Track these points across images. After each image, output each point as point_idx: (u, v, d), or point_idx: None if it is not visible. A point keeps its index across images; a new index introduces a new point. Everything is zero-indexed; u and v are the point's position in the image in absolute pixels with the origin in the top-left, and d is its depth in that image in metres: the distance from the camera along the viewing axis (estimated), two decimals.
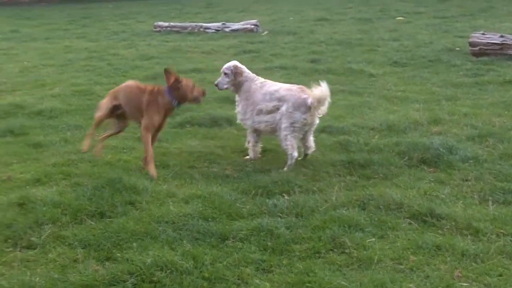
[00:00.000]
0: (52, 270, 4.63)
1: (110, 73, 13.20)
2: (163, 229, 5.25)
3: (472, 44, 13.75)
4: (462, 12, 22.44)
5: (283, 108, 6.96)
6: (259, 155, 7.36)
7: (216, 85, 7.51)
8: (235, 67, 7.34)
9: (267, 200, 5.87)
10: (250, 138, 7.34)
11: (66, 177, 6.60)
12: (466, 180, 6.40)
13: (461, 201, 5.82)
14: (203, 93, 6.94)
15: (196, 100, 6.95)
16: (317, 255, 4.84)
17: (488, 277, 4.47)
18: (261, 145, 7.44)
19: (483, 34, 13.87)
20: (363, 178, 6.50)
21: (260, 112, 7.15)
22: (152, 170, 6.58)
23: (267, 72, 12.51)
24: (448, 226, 5.29)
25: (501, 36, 13.58)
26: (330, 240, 5.01)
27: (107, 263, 4.69)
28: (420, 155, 7.03)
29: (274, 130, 7.14)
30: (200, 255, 4.75)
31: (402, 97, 10.34)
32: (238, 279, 4.48)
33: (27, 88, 11.85)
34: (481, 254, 4.78)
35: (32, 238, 5.19)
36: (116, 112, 7.00)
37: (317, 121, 7.17)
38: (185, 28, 20.11)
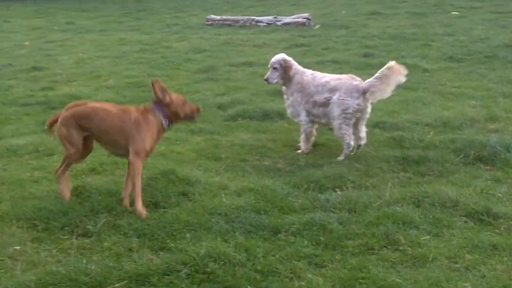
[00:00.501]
0: (107, 258, 4.71)
1: (163, 66, 13.36)
2: (216, 221, 5.28)
3: None
4: None
5: (335, 97, 7.02)
6: (310, 148, 7.34)
7: (266, 80, 7.43)
8: (284, 60, 7.29)
9: (319, 195, 5.84)
10: (304, 130, 7.31)
11: (121, 167, 6.69)
12: None
13: None
14: (197, 110, 5.91)
15: (189, 118, 5.90)
16: (370, 251, 4.80)
17: None
18: (313, 139, 7.42)
19: None
20: (418, 175, 6.41)
21: (315, 104, 7.17)
22: (140, 207, 5.49)
23: (319, 66, 12.44)
24: (505, 226, 5.17)
25: None
26: (384, 236, 4.96)
27: (161, 253, 4.75)
28: (476, 153, 6.89)
29: (328, 122, 7.21)
30: (253, 247, 4.76)
31: (458, 93, 10.14)
32: (291, 273, 4.47)
33: (82, 79, 12.09)
34: None
35: (88, 226, 5.29)
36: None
37: (369, 109, 7.20)
38: (237, 21, 20.16)
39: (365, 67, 12.30)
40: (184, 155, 7.14)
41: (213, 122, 8.66)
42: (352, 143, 7.03)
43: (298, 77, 7.28)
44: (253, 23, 19.87)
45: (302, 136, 7.33)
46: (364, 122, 7.25)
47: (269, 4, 26.88)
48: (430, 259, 4.62)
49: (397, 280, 4.31)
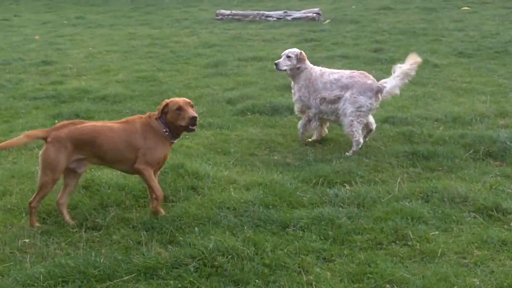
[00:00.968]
0: (116, 251, 4.73)
1: (172, 60, 13.38)
2: (224, 215, 5.29)
3: None
4: None
5: (347, 94, 7.05)
6: (313, 142, 7.48)
7: (276, 65, 7.45)
8: (300, 53, 7.37)
9: (328, 190, 5.83)
10: (310, 124, 7.42)
11: None
12: None
13: None
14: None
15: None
16: (379, 246, 4.79)
17: None
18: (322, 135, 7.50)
19: None
20: (427, 170, 6.39)
21: (323, 100, 7.21)
22: (161, 210, 5.33)
23: (328, 61, 12.44)
24: None
25: None
26: (393, 231, 4.95)
27: (170, 246, 4.76)
28: (486, 148, 6.86)
29: (337, 118, 7.25)
30: (261, 241, 4.77)
31: (468, 88, 10.09)
32: (299, 267, 4.47)
33: (92, 74, 12.14)
34: None
35: (97, 220, 5.32)
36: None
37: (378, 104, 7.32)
38: (246, 16, 20.15)
39: (374, 62, 12.29)
40: (193, 149, 7.15)
41: (222, 116, 8.67)
42: (361, 140, 7.05)
43: (307, 72, 7.34)
44: (263, 17, 19.86)
45: (301, 130, 7.50)
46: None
47: None
48: (439, 254, 4.61)
49: (405, 275, 4.30)
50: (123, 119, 5.48)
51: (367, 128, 7.30)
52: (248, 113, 8.81)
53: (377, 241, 4.83)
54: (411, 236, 4.86)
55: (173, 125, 5.28)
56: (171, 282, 4.27)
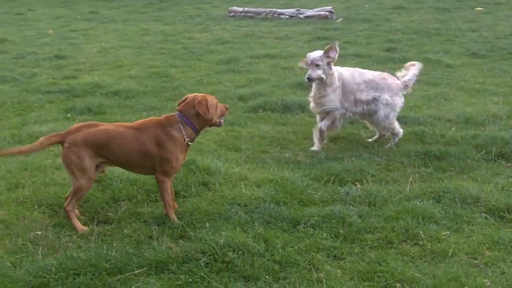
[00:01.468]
0: (127, 245, 4.75)
1: (185, 56, 13.40)
2: (235, 211, 5.30)
3: None
4: None
5: (386, 96, 7.07)
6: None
7: (309, 79, 6.97)
8: (328, 49, 6.95)
9: (339, 188, 5.83)
10: (335, 125, 7.26)
11: None
12: None
13: None
14: (227, 109, 5.50)
15: (219, 123, 5.38)
16: (389, 245, 4.78)
17: None
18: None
19: None
20: (439, 170, 6.37)
21: (359, 102, 7.12)
22: (173, 217, 5.19)
23: (341, 60, 12.35)
24: None
25: None
26: (403, 231, 4.94)
27: (180, 241, 4.78)
28: (498, 149, 6.83)
29: (372, 120, 7.30)
30: (272, 238, 4.78)
31: (481, 89, 10.05)
32: (309, 264, 4.48)
33: (105, 69, 12.19)
34: None
35: (109, 214, 5.35)
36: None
37: None
38: (259, 13, 20.15)
39: (387, 61, 12.26)
40: (205, 145, 7.17)
41: (234, 113, 8.66)
42: (402, 130, 7.25)
43: (337, 73, 7.11)
44: (275, 15, 19.85)
45: (325, 127, 7.14)
46: None
47: None
48: (450, 254, 4.60)
49: (415, 274, 4.30)
50: (137, 123, 5.22)
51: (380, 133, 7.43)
52: (260, 110, 8.81)
53: (388, 240, 4.83)
54: (422, 236, 4.85)
55: (203, 121, 5.19)
56: (182, 276, 4.29)
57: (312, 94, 7.25)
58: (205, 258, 4.48)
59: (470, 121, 8.05)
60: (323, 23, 18.24)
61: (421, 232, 4.89)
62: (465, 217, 5.22)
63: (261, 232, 4.88)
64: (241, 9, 20.72)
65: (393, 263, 4.45)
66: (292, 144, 7.36)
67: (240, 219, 5.15)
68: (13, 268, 4.40)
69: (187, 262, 4.45)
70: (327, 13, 19.29)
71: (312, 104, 7.30)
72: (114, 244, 4.77)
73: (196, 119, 5.15)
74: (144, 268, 4.40)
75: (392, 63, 12.02)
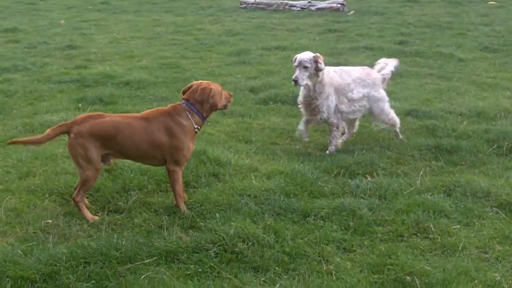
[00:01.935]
0: (137, 235, 4.77)
1: (196, 48, 13.39)
2: (245, 202, 5.31)
3: None
4: None
5: (374, 93, 6.99)
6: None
7: (296, 81, 6.53)
8: (315, 56, 6.50)
9: (349, 181, 5.82)
10: (339, 130, 6.91)
11: None
12: None
13: None
14: (231, 97, 5.59)
15: (224, 107, 5.55)
16: (399, 238, 4.78)
17: None
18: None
19: None
20: (450, 164, 6.34)
21: (352, 100, 6.90)
22: (183, 207, 5.20)
23: (352, 53, 12.40)
24: None
25: None
26: (414, 224, 4.93)
27: (191, 231, 4.79)
28: (509, 144, 6.80)
29: (373, 114, 7.19)
30: (282, 230, 4.78)
31: (493, 83, 9.99)
32: (319, 256, 4.48)
33: (116, 59, 12.20)
34: None
35: (119, 203, 5.37)
36: None
37: None
38: (270, 5, 20.08)
39: (399, 55, 12.15)
40: (215, 137, 7.17)
41: (244, 105, 8.67)
42: (398, 119, 7.20)
43: (326, 77, 6.68)
44: (287, 7, 19.78)
45: (335, 134, 6.84)
46: None
47: None
48: (460, 248, 4.59)
49: (425, 267, 4.29)
50: (144, 113, 5.21)
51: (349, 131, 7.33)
52: (270, 102, 8.80)
53: (398, 233, 4.83)
54: (433, 229, 4.84)
55: (209, 108, 5.23)
56: (192, 266, 4.30)
57: (300, 99, 6.90)
58: (215, 249, 4.49)
59: (481, 115, 8.00)
60: (334, 15, 18.17)
61: (431, 226, 4.88)
62: (475, 211, 5.20)
63: (271, 223, 4.89)
64: (252, 0, 20.65)
65: (403, 256, 4.44)
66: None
67: (250, 210, 5.15)
68: (24, 256, 4.43)
69: (197, 252, 4.46)
70: (338, 5, 19.20)
71: (302, 110, 6.96)
72: (125, 233, 4.80)
73: (203, 106, 5.18)
74: (154, 258, 4.42)
75: (404, 57, 11.98)
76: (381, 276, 4.22)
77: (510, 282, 4.18)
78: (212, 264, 4.31)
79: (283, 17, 18.02)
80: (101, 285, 4.13)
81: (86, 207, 5.17)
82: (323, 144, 7.04)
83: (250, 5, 20.33)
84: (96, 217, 5.09)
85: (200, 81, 5.35)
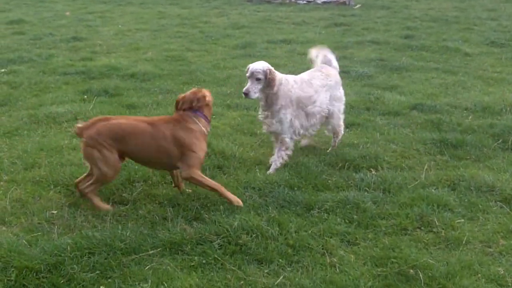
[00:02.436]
0: (142, 226, 4.78)
1: (201, 41, 13.38)
2: (249, 195, 5.32)
3: None
4: None
5: (341, 90, 6.61)
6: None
7: (246, 94, 5.87)
8: (270, 70, 5.89)
9: (354, 174, 5.82)
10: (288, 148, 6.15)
11: None
12: None
13: None
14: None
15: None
16: (403, 231, 4.78)
17: None
18: None
19: None
20: (455, 158, 6.33)
21: (312, 114, 6.26)
22: (234, 197, 5.13)
23: (358, 47, 12.38)
24: None
25: None
26: (418, 218, 4.93)
27: (195, 223, 4.80)
28: None
29: (329, 124, 6.58)
30: (285, 222, 4.79)
31: (499, 78, 9.96)
32: (323, 248, 4.49)
33: (121, 51, 12.20)
34: None
35: (124, 195, 5.39)
36: None
37: None
38: None
39: (405, 49, 12.18)
40: (220, 129, 7.17)
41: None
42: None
43: (284, 88, 6.01)
44: (293, 0, 19.75)
45: (281, 154, 6.07)
46: None
47: None
48: (464, 242, 4.59)
49: (429, 261, 4.29)
50: (151, 119, 5.24)
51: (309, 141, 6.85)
52: None
53: (402, 226, 4.83)
54: (437, 223, 4.84)
55: (209, 112, 5.38)
56: (196, 258, 4.32)
57: (260, 113, 6.30)
58: (219, 240, 4.51)
59: (487, 110, 7.98)
60: (340, 9, 18.14)
61: (435, 220, 4.88)
62: (480, 206, 5.20)
63: (275, 216, 4.90)
64: None
65: (406, 250, 4.45)
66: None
67: (254, 202, 5.16)
68: (29, 246, 4.44)
69: (201, 244, 4.48)
70: None
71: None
72: (129, 224, 4.81)
73: (204, 110, 5.28)
74: (159, 249, 4.43)
75: (410, 51, 11.96)
76: (384, 269, 4.23)
77: None
78: (216, 256, 4.32)
79: (289, 11, 18.00)
80: (105, 275, 4.15)
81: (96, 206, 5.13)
82: (328, 137, 7.02)
83: None
84: (109, 207, 5.12)
85: (192, 91, 5.35)
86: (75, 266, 4.18)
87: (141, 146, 5.08)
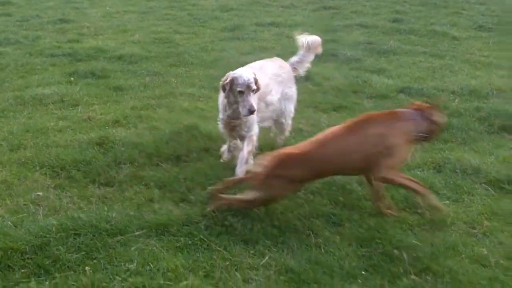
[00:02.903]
0: (128, 208, 4.78)
1: (189, 23, 13.31)
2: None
3: None
4: None
5: (293, 88, 6.15)
6: None
7: (253, 111, 5.25)
8: (255, 74, 5.36)
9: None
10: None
11: (144, 121, 6.74)
12: None
13: None
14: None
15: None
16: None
17: None
18: None
19: None
20: (441, 141, 6.35)
21: (270, 105, 5.85)
22: (437, 203, 4.76)
23: (346, 30, 12.36)
24: None
25: None
26: (403, 199, 4.97)
27: (181, 205, 4.81)
28: (501, 122, 6.84)
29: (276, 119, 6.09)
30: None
31: (486, 62, 9.99)
32: (308, 229, 4.51)
33: (109, 33, 12.11)
34: None
35: (110, 176, 5.37)
36: None
37: None
38: None
39: (393, 33, 12.17)
40: (207, 111, 7.15)
41: None
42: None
43: None
44: None
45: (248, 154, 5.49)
46: None
47: None
48: (448, 223, 4.63)
49: (413, 241, 4.33)
50: (350, 124, 4.74)
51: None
52: None
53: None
54: (421, 205, 4.86)
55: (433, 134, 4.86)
56: (182, 238, 4.33)
57: (223, 116, 5.57)
58: (205, 222, 4.52)
59: (474, 94, 8.01)
60: None
61: (420, 201, 4.90)
62: (465, 188, 5.25)
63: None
64: None
65: (391, 231, 4.48)
66: (295, 113, 7.31)
67: (241, 184, 5.15)
68: (14, 227, 4.42)
69: (187, 225, 4.48)
70: None
71: (223, 129, 5.66)
72: (115, 206, 4.81)
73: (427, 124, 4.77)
74: (144, 230, 4.43)
75: (398, 35, 11.96)
76: (369, 249, 4.26)
77: (496, 256, 4.23)
78: (202, 237, 4.33)
79: None
80: (90, 256, 4.14)
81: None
82: (315, 119, 7.03)
83: None
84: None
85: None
86: (60, 247, 4.17)
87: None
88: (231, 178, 5.00)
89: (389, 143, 4.51)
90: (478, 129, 6.71)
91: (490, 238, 4.49)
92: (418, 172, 5.45)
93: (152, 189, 5.09)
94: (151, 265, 4.02)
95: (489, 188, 5.27)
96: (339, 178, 5.24)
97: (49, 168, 5.49)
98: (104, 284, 3.85)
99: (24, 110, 7.13)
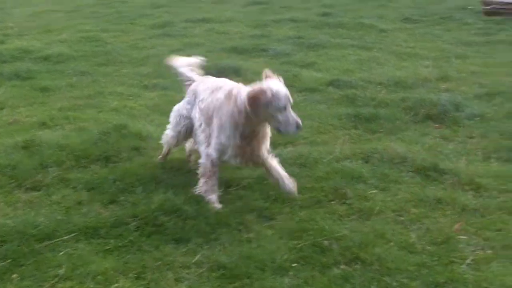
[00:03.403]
0: (56, 212, 4.68)
1: (118, 21, 13.17)
2: (168, 175, 5.27)
3: (485, 3, 13.57)
4: None
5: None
6: None
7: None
8: None
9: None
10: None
11: (72, 122, 6.61)
12: (471, 137, 6.38)
13: (464, 157, 5.81)
14: None
15: None
16: (318, 204, 4.85)
17: (488, 231, 4.47)
18: None
19: None
20: (368, 132, 6.50)
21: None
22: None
23: (276, 25, 12.45)
24: (451, 181, 5.28)
25: None
26: (332, 190, 5.03)
27: (111, 206, 4.74)
28: (426, 111, 7.01)
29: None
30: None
31: (412, 53, 10.26)
32: (240, 225, 4.52)
33: (34, 33, 11.85)
34: (481, 209, 4.79)
35: (37, 180, 5.23)
36: None
37: None
38: None
39: (323, 26, 12.33)
40: (137, 110, 7.08)
41: (168, 78, 8.52)
42: None
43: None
44: None
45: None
46: None
47: None
48: (376, 212, 4.72)
49: (343, 231, 4.39)
50: None
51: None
52: None
53: (317, 199, 4.91)
54: (350, 195, 4.95)
55: None
56: (112, 241, 4.26)
57: (231, 141, 4.81)
58: (135, 222, 4.46)
59: (400, 84, 8.20)
60: None
61: (349, 191, 4.99)
62: (392, 176, 5.35)
63: (194, 195, 4.88)
64: None
65: (322, 222, 4.53)
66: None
67: (173, 182, 5.13)
68: None
69: (117, 227, 4.42)
70: None
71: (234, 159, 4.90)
72: (42, 211, 4.70)
73: None
74: (73, 234, 4.34)
75: (328, 28, 12.12)
76: (300, 241, 4.29)
77: (423, 242, 4.33)
78: (132, 238, 4.28)
79: None
80: (18, 263, 4.03)
81: None
82: None
83: None
84: None
85: None
86: None
87: None
88: None
89: None
90: (404, 118, 6.87)
91: (417, 225, 4.59)
92: (347, 163, 5.53)
93: (81, 192, 5.00)
94: (81, 269, 3.94)
95: (416, 176, 5.39)
96: None
97: None
98: None
99: None
